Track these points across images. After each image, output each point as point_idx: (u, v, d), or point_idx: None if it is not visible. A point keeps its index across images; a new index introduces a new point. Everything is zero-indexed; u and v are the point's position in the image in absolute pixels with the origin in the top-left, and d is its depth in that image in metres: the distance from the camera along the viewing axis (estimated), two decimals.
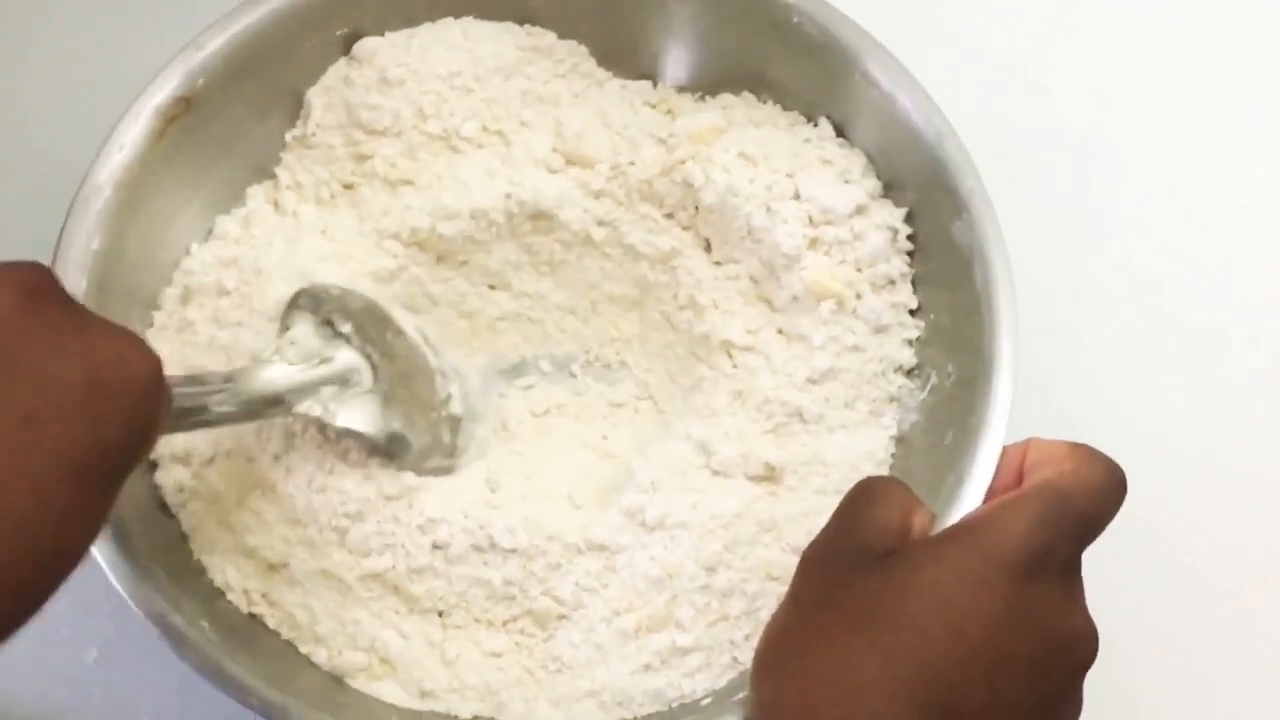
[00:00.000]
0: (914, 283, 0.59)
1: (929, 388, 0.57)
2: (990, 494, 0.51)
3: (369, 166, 0.60)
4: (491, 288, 0.62)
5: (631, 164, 0.60)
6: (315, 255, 0.58)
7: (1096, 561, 0.60)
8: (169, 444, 0.55)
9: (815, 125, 0.61)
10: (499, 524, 0.55)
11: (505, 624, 0.56)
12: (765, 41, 0.60)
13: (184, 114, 0.56)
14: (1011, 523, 0.44)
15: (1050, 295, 0.63)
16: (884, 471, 0.57)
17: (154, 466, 0.55)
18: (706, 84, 0.62)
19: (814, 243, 0.58)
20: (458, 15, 0.61)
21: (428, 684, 0.55)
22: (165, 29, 0.58)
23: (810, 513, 0.56)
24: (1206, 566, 0.62)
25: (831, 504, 0.54)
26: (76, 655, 0.58)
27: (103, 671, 0.58)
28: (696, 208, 0.60)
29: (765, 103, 0.62)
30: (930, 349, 0.58)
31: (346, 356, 0.54)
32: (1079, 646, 0.45)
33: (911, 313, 0.59)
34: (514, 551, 0.55)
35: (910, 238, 0.59)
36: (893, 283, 0.58)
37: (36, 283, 0.40)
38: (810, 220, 0.58)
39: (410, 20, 0.60)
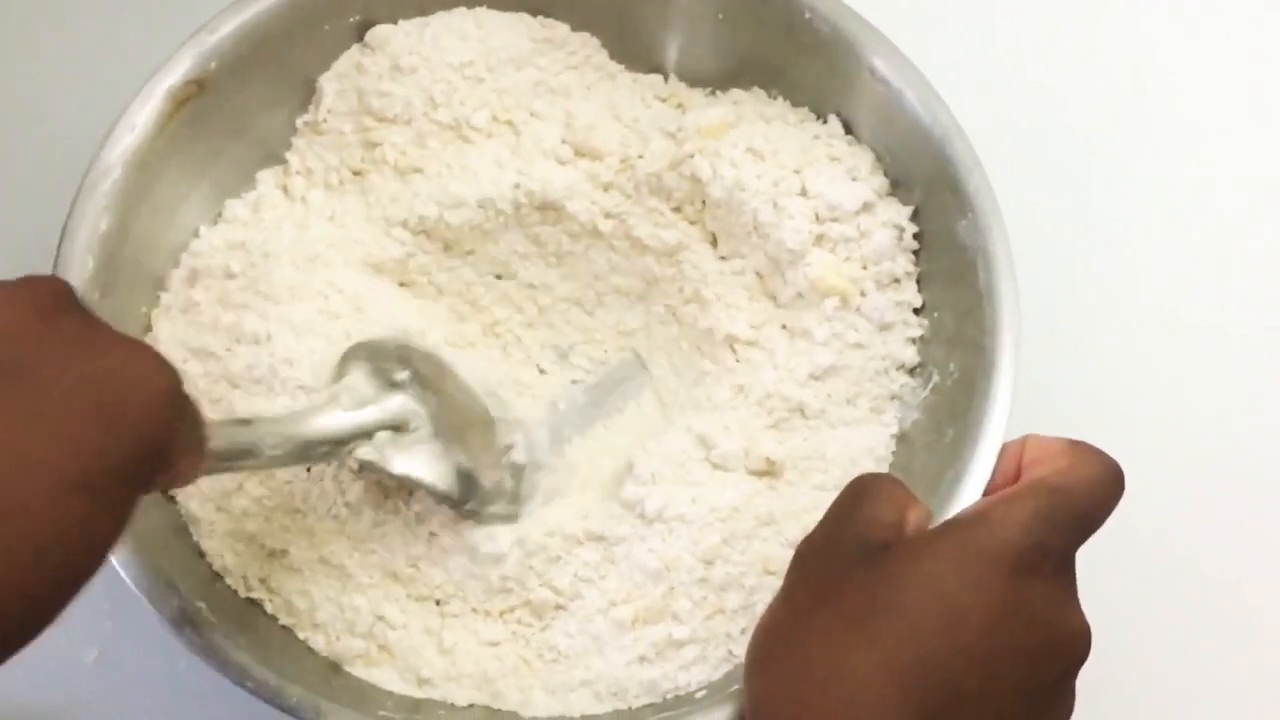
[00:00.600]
0: (918, 281, 0.59)
1: (931, 386, 0.57)
2: (988, 491, 0.51)
3: (379, 154, 0.60)
4: (498, 277, 0.62)
5: (640, 157, 0.60)
6: (324, 241, 0.59)
7: (1094, 560, 0.60)
8: None
9: (824, 122, 0.61)
10: (483, 533, 0.55)
11: (502, 614, 0.56)
12: (776, 37, 0.60)
13: (195, 97, 0.57)
14: (1007, 518, 0.44)
15: (1054, 295, 0.63)
16: (884, 468, 0.57)
17: (173, 500, 0.56)
18: (717, 79, 0.62)
19: (820, 239, 0.58)
20: (471, 5, 0.61)
21: (425, 671, 0.55)
22: (179, 11, 0.58)
23: (809, 508, 0.56)
24: (1205, 564, 0.62)
25: (830, 500, 0.54)
26: (76, 655, 0.58)
27: (103, 671, 0.58)
28: (704, 202, 0.60)
29: (775, 99, 0.62)
30: (933, 347, 0.58)
31: (401, 401, 0.54)
32: (1073, 643, 0.45)
33: (915, 311, 0.59)
34: (500, 559, 0.55)
35: (916, 236, 0.59)
36: (897, 281, 0.58)
37: (54, 295, 0.40)
38: (816, 217, 0.58)
39: (424, 9, 0.61)
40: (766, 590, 0.54)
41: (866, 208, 0.58)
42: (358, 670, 0.55)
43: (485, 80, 0.60)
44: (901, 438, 0.58)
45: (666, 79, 0.63)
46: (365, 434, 0.52)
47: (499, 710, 0.55)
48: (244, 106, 0.59)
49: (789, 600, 0.46)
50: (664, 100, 0.62)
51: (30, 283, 0.40)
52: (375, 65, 0.60)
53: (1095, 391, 0.64)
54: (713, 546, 0.55)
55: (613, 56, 0.63)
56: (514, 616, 0.56)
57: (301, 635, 0.55)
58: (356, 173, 0.61)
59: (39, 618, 0.37)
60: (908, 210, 0.59)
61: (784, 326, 0.59)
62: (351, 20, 0.60)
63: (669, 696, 0.54)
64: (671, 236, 0.61)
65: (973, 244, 0.55)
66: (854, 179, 0.59)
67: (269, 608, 0.55)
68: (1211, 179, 0.68)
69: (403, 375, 0.54)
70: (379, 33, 0.60)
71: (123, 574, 0.51)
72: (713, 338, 0.60)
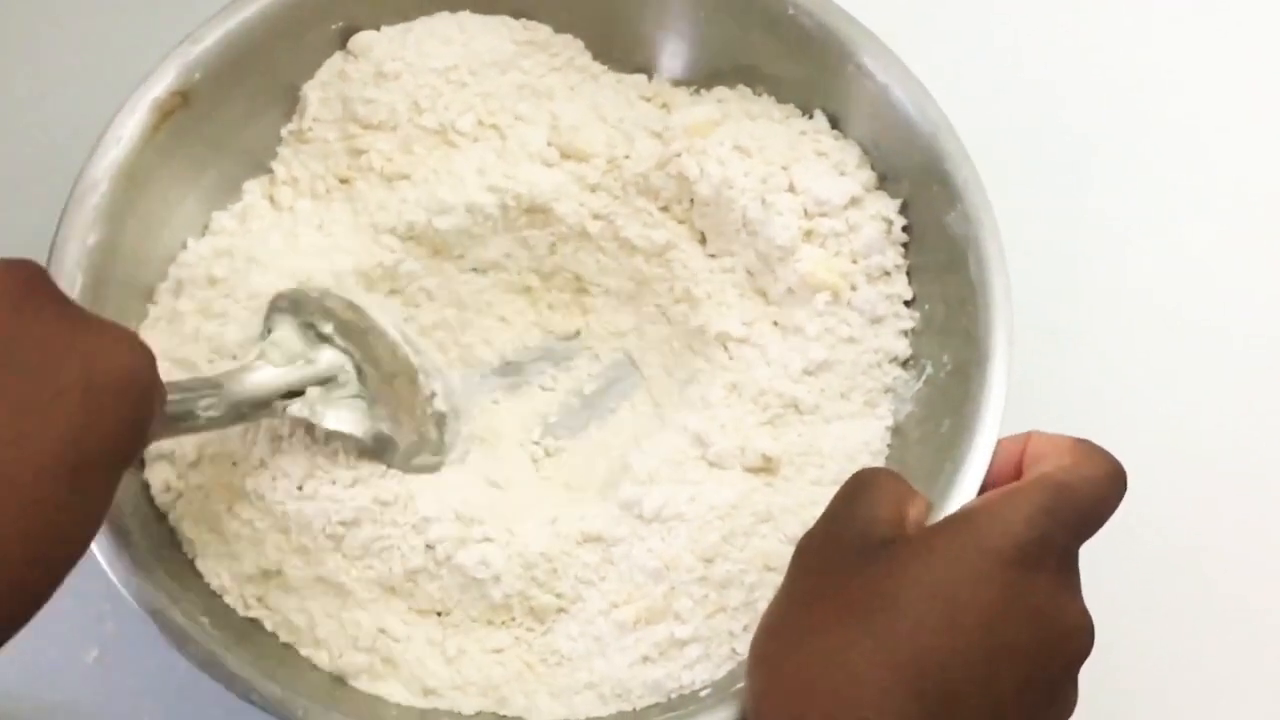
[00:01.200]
0: (909, 274, 0.59)
1: (924, 378, 0.58)
2: (986, 486, 0.52)
3: (365, 161, 0.60)
4: (484, 273, 0.62)
5: (627, 157, 0.60)
6: (312, 250, 0.58)
7: (1095, 557, 0.61)
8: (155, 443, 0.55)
9: (810, 118, 0.61)
10: (474, 556, 0.55)
11: (504, 622, 0.56)
12: (760, 34, 0.60)
13: (180, 108, 0.56)
14: (1010, 513, 0.44)
15: (1046, 289, 0.64)
16: (880, 462, 0.57)
17: (143, 464, 0.55)
18: (702, 77, 0.63)
19: (809, 235, 0.58)
20: (453, 9, 0.61)
21: (431, 681, 0.55)
22: (162, 23, 0.58)
23: (807, 503, 0.56)
24: (1205, 562, 0.62)
25: (828, 495, 0.54)
26: (76, 655, 0.58)
27: (103, 671, 0.58)
28: (692, 201, 0.60)
29: (760, 96, 0.62)
30: (925, 340, 0.58)
31: (330, 357, 0.54)
32: (1074, 638, 0.45)
33: (906, 304, 0.59)
34: (498, 579, 0.55)
35: (905, 229, 0.59)
36: (888, 274, 0.59)
37: (29, 279, 0.41)
38: (805, 212, 0.58)
39: (406, 14, 0.60)
40: (768, 587, 0.55)
41: (854, 202, 0.58)
42: (363, 684, 0.54)
43: (469, 84, 0.60)
44: (896, 430, 0.58)
45: (651, 78, 0.63)
46: (296, 391, 0.52)
47: (505, 716, 0.55)
48: (229, 117, 0.59)
49: (789, 596, 0.46)
50: (649, 100, 0.62)
51: (5, 267, 0.40)
52: (359, 72, 0.59)
53: (1087, 383, 0.64)
54: (712, 545, 0.55)
55: (596, 57, 0.63)
56: (516, 622, 0.56)
57: (304, 652, 0.55)
58: (343, 180, 0.60)
59: (28, 601, 0.39)
60: (896, 203, 0.59)
61: (775, 323, 0.59)
62: (334, 27, 0.60)
63: (673, 696, 0.54)
64: (660, 236, 0.61)
65: (963, 235, 0.56)
66: (841, 173, 0.59)
67: (268, 625, 0.55)
68: (1204, 172, 0.69)
69: (327, 328, 0.54)
70: (362, 39, 0.60)
71: (124, 591, 0.50)
72: (704, 336, 0.60)
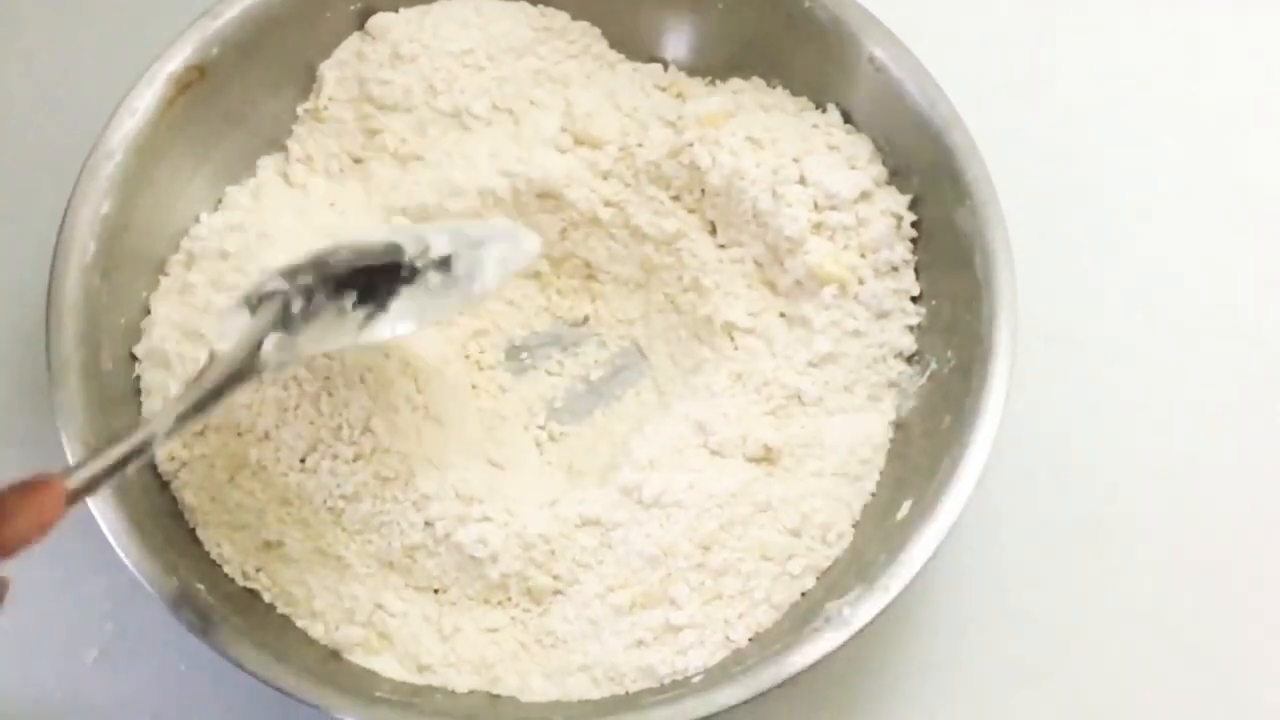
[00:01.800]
0: (916, 269, 0.59)
1: (928, 374, 0.58)
2: None
3: (379, 141, 0.60)
4: None
5: (640, 145, 0.61)
6: (323, 228, 0.59)
7: (1098, 557, 0.61)
8: None
9: (824, 111, 0.61)
10: (472, 535, 0.55)
11: (500, 602, 0.56)
12: (776, 27, 0.60)
13: (197, 82, 0.57)
14: None
15: (1052, 287, 0.63)
16: (881, 455, 0.57)
17: None
18: (717, 68, 0.63)
19: (818, 227, 0.58)
20: None
21: (425, 658, 0.55)
22: None
23: (806, 495, 0.56)
24: (1206, 561, 0.62)
25: (827, 487, 0.55)
26: (76, 655, 0.58)
27: (103, 671, 0.58)
28: (703, 190, 0.60)
29: (774, 88, 0.62)
30: (930, 336, 0.58)
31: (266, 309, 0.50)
32: None
33: (914, 299, 0.59)
34: (495, 559, 0.55)
35: (914, 224, 0.59)
36: (895, 269, 0.59)
37: None
38: (815, 205, 0.58)
39: None
40: (764, 576, 0.55)
41: (865, 196, 0.58)
42: (357, 658, 0.55)
43: (485, 68, 0.61)
44: (899, 425, 0.58)
45: (666, 68, 0.63)
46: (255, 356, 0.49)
47: (498, 695, 0.55)
48: (245, 93, 0.59)
49: None
50: (663, 89, 0.63)
51: None
52: (376, 53, 0.60)
53: (1091, 381, 0.64)
54: (710, 532, 0.55)
55: (613, 45, 0.63)
56: (512, 602, 0.56)
57: (300, 624, 0.55)
58: (357, 160, 0.61)
59: None
60: (906, 199, 0.59)
61: (782, 314, 0.60)
62: (353, 8, 0.60)
63: (666, 681, 0.54)
64: (670, 224, 0.61)
65: (970, 232, 0.56)
66: (853, 167, 0.59)
67: (266, 596, 0.55)
68: (1216, 172, 0.68)
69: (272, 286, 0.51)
70: (380, 21, 0.60)
71: (122, 555, 0.51)
72: (711, 325, 0.60)
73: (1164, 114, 0.70)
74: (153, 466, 0.55)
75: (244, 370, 0.49)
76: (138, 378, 0.56)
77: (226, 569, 0.55)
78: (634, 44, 0.63)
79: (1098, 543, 0.61)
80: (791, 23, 0.60)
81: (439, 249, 0.53)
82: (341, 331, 0.52)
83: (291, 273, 0.50)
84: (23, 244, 0.61)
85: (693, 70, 0.63)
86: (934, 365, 0.57)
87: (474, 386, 0.61)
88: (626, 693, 0.54)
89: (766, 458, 0.57)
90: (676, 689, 0.53)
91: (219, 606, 0.52)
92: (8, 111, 0.66)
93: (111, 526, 0.51)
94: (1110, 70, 0.70)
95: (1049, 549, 0.61)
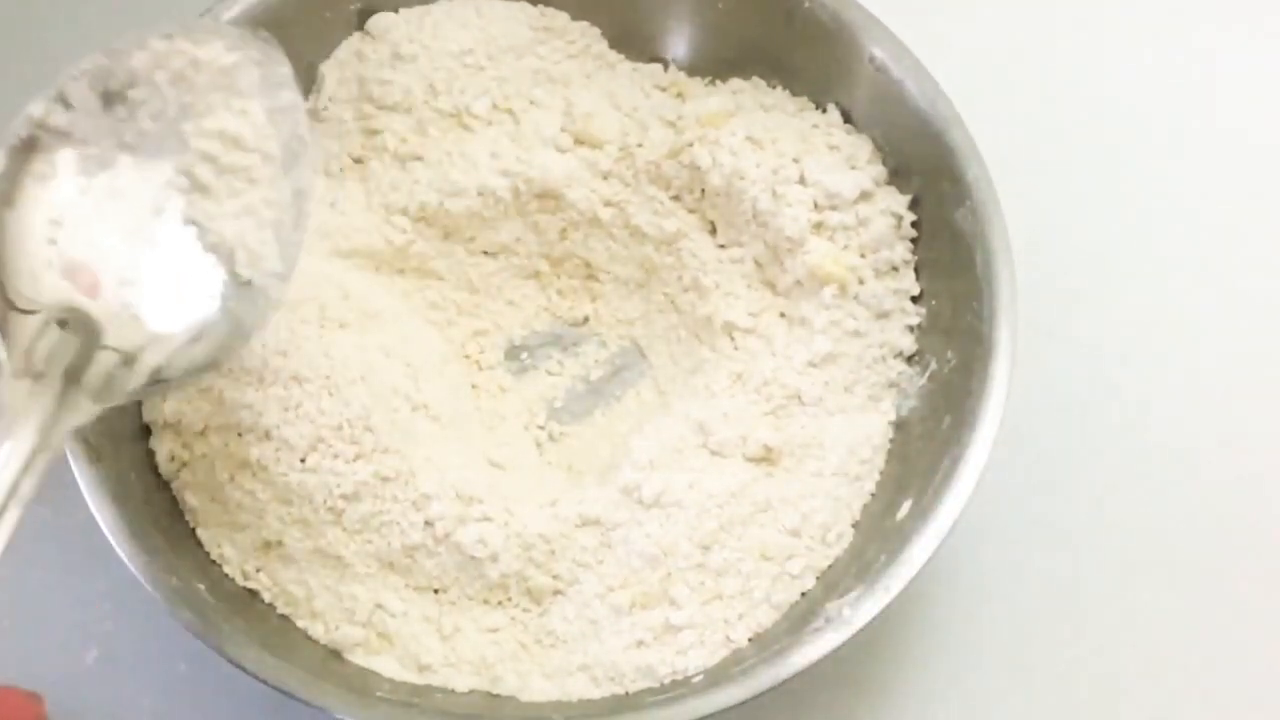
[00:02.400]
0: (916, 270, 0.59)
1: (928, 374, 0.58)
2: None
3: (379, 141, 0.60)
4: (494, 255, 0.62)
5: (640, 145, 0.61)
6: (323, 228, 0.59)
7: (1096, 558, 0.61)
8: (160, 411, 0.55)
9: (824, 111, 0.61)
10: (472, 535, 0.55)
11: (500, 602, 0.56)
12: (776, 27, 0.61)
13: None
14: None
15: (1053, 288, 0.63)
16: (881, 456, 0.57)
17: (148, 433, 0.56)
18: (717, 68, 0.63)
19: (818, 227, 0.58)
20: None
21: (425, 658, 0.55)
22: None
23: (806, 495, 0.56)
24: (1211, 562, 0.62)
25: (827, 487, 0.55)
26: (76, 655, 0.58)
27: (103, 671, 0.58)
28: (703, 190, 0.60)
29: (775, 88, 0.62)
30: (931, 336, 0.58)
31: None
32: None
33: (914, 299, 0.59)
34: (495, 559, 0.55)
35: (914, 224, 0.59)
36: (895, 269, 0.59)
37: None
38: (815, 205, 0.58)
39: None
40: (764, 576, 0.55)
41: (865, 196, 0.58)
42: (357, 658, 0.55)
43: (485, 68, 0.61)
44: (899, 425, 0.58)
45: (666, 68, 0.63)
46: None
47: (498, 695, 0.55)
48: None
49: None
50: (664, 89, 0.63)
51: None
52: (376, 53, 0.60)
53: (1093, 381, 0.64)
54: (710, 532, 0.55)
55: (613, 45, 0.63)
56: (512, 602, 0.56)
57: (300, 624, 0.55)
58: (357, 160, 0.61)
59: None
60: (906, 199, 0.59)
61: (782, 314, 0.60)
62: (353, 8, 0.60)
63: (666, 681, 0.54)
64: (670, 225, 0.61)
65: (970, 232, 0.56)
66: (853, 167, 0.59)
67: (266, 596, 0.55)
68: (1218, 173, 0.68)
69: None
70: (380, 20, 0.60)
71: (122, 555, 0.51)
72: (711, 325, 0.60)
73: (1165, 113, 0.70)
74: (153, 466, 0.55)
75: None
76: None
77: (226, 569, 0.55)
78: (634, 44, 0.63)
79: (1098, 542, 0.61)
80: (791, 23, 0.60)
81: None
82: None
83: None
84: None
85: (693, 70, 0.63)
86: (934, 365, 0.58)
87: (474, 386, 0.61)
88: (626, 693, 0.54)
89: (766, 458, 0.57)
90: (676, 689, 0.53)
91: (219, 606, 0.52)
92: (8, 112, 0.66)
93: (111, 526, 0.51)
94: (1111, 70, 0.70)
95: (1049, 549, 0.61)
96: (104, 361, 0.46)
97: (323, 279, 0.57)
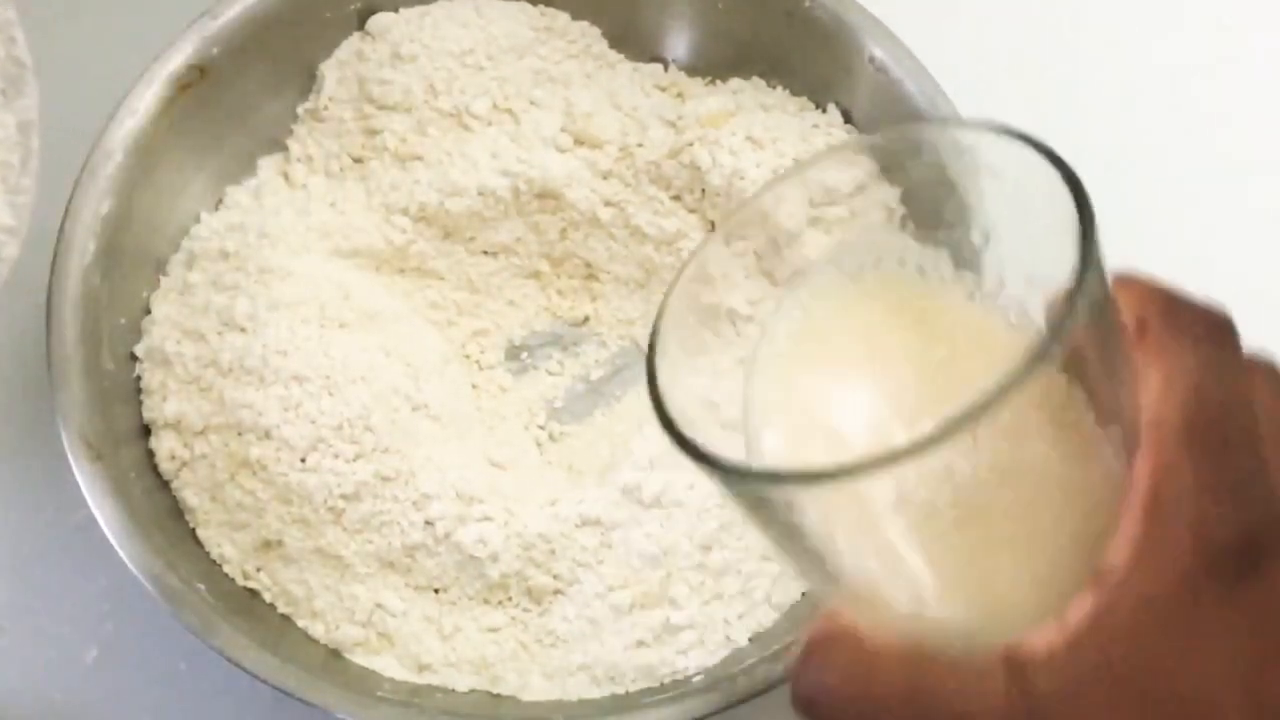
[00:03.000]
0: None
1: None
2: None
3: (379, 141, 0.60)
4: (494, 255, 0.62)
5: (640, 145, 0.61)
6: (323, 228, 0.59)
7: None
8: (161, 411, 0.55)
9: (824, 111, 0.61)
10: (472, 534, 0.55)
11: (501, 602, 0.56)
12: (776, 27, 0.61)
13: (197, 82, 0.57)
14: None
15: None
16: None
17: (148, 433, 0.56)
18: (717, 68, 0.63)
19: (815, 221, 0.58)
20: None
21: (425, 658, 0.55)
22: None
23: None
24: None
25: None
26: (76, 655, 0.58)
27: (103, 671, 0.58)
28: (703, 190, 0.60)
29: (774, 88, 0.62)
30: None
31: None
32: None
33: None
34: (495, 558, 0.55)
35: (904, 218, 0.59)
36: None
37: None
38: (812, 202, 0.58)
39: None
40: (764, 576, 0.55)
41: (860, 189, 0.58)
42: (357, 657, 0.55)
43: (485, 68, 0.61)
44: None
45: (666, 68, 0.63)
46: None
47: (498, 695, 0.55)
48: (245, 93, 0.59)
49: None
50: (664, 89, 0.63)
51: None
52: (376, 53, 0.60)
53: None
54: (710, 532, 0.55)
55: (613, 45, 0.63)
56: (512, 602, 0.56)
57: (300, 623, 0.55)
58: (357, 160, 0.61)
59: None
60: (896, 191, 0.59)
61: None
62: (353, 8, 0.60)
63: (666, 681, 0.54)
64: (671, 225, 0.61)
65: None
66: (850, 165, 0.59)
67: (266, 596, 0.55)
68: (1216, 165, 0.68)
69: None
70: (380, 20, 0.60)
71: (122, 555, 0.51)
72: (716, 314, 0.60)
73: (1165, 113, 0.70)
74: (153, 466, 0.55)
75: None
76: (138, 377, 0.56)
77: (226, 569, 0.55)
78: (634, 44, 0.63)
79: None
80: (791, 23, 0.60)
81: None
82: None
83: None
84: (23, 244, 0.61)
85: (693, 70, 0.63)
86: None
87: (474, 386, 0.61)
88: (626, 693, 0.54)
89: None
90: (676, 689, 0.53)
91: (219, 606, 0.52)
92: None
93: (111, 526, 0.51)
94: (1111, 69, 0.70)
95: None
96: None
97: (323, 279, 0.58)
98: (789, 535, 0.32)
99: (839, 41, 0.59)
